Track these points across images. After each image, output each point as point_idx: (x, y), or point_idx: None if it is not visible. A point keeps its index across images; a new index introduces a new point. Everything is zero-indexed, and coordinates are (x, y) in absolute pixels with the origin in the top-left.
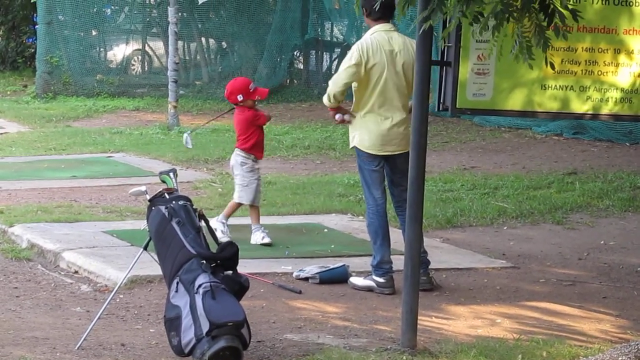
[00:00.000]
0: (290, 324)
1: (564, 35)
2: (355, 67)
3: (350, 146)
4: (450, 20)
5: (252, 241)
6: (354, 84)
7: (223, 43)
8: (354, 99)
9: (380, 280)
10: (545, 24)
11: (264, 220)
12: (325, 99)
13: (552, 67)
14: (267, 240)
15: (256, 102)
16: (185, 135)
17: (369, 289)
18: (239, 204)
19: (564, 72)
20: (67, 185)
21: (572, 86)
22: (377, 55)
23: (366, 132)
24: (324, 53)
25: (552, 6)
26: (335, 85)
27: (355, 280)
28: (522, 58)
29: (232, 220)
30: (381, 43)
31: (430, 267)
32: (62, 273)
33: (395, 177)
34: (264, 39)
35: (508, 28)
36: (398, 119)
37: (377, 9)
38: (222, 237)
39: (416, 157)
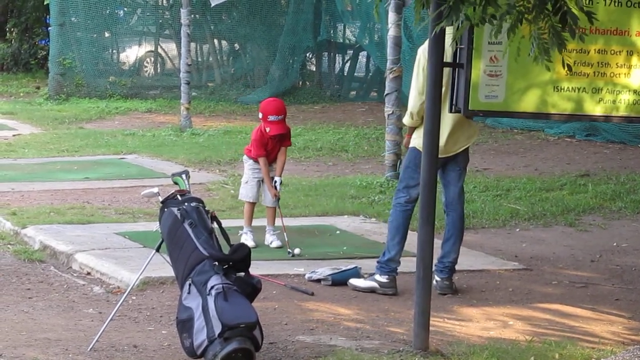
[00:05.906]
0: (303, 325)
1: (581, 37)
2: None
3: (412, 145)
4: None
5: (265, 242)
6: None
7: (235, 45)
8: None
9: (383, 280)
10: (559, 25)
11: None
12: (407, 119)
13: (570, 68)
14: (275, 244)
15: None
16: None
17: (372, 290)
18: (246, 202)
19: (576, 74)
20: (79, 186)
21: (584, 88)
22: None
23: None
24: (336, 55)
25: (564, 8)
26: (415, 99)
27: (356, 282)
28: (540, 59)
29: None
30: None
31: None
32: (75, 274)
33: (455, 174)
34: (277, 41)
35: (524, 30)
36: (457, 118)
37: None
38: (242, 235)
39: (428, 159)
